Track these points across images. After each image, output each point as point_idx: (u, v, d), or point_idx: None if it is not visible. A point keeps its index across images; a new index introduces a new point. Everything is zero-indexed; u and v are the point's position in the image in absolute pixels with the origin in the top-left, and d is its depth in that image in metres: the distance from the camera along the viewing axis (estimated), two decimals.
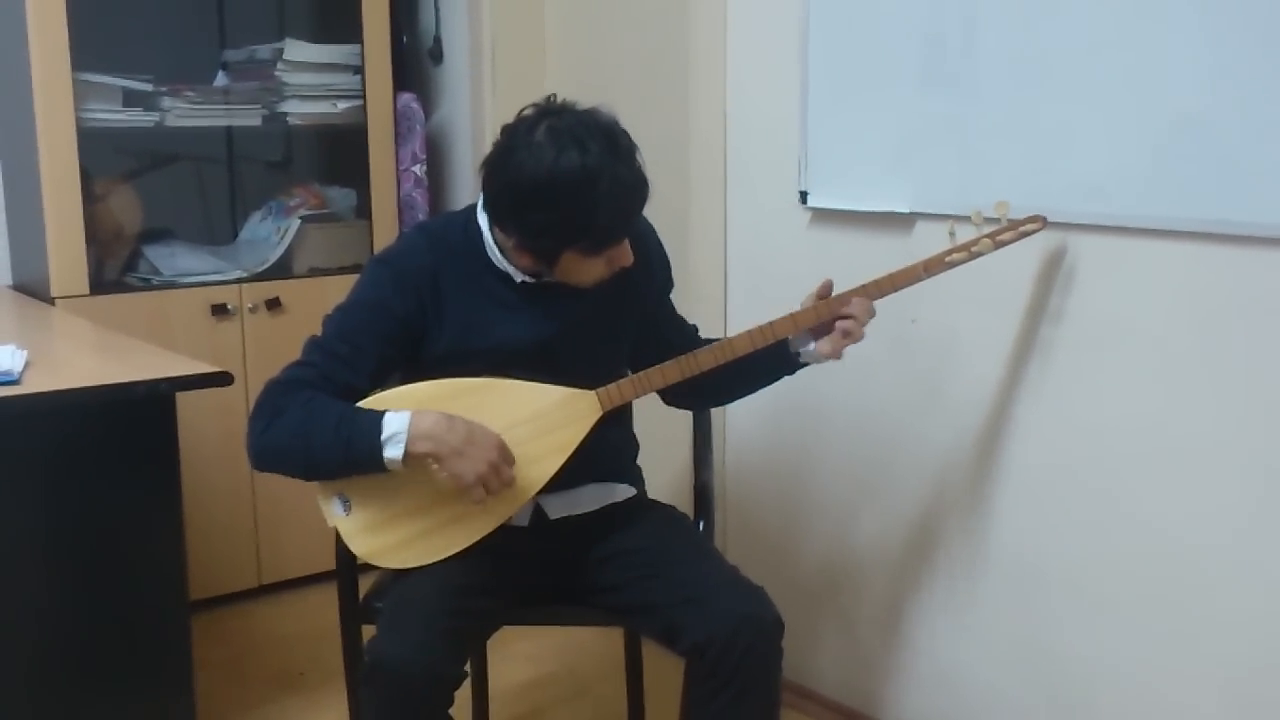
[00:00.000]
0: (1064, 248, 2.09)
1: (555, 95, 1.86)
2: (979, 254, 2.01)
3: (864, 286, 1.98)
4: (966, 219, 2.04)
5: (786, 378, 2.09)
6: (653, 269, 2.07)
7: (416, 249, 1.96)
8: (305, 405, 1.84)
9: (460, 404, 1.88)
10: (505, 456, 1.85)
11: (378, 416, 1.82)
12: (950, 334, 2.29)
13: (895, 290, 2.00)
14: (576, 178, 1.77)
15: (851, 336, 1.97)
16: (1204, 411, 1.94)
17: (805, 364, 2.05)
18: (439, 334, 1.93)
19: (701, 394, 2.09)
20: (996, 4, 2.12)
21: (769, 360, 2.01)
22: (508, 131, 1.84)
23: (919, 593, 2.43)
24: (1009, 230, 2.02)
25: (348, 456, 1.83)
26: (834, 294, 1.99)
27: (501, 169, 1.82)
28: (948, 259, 2.01)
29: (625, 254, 1.90)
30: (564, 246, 1.84)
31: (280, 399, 1.86)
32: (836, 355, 1.99)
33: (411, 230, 2.08)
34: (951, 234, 2.02)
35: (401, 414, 1.82)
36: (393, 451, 1.81)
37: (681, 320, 2.17)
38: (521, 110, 1.85)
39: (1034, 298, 2.14)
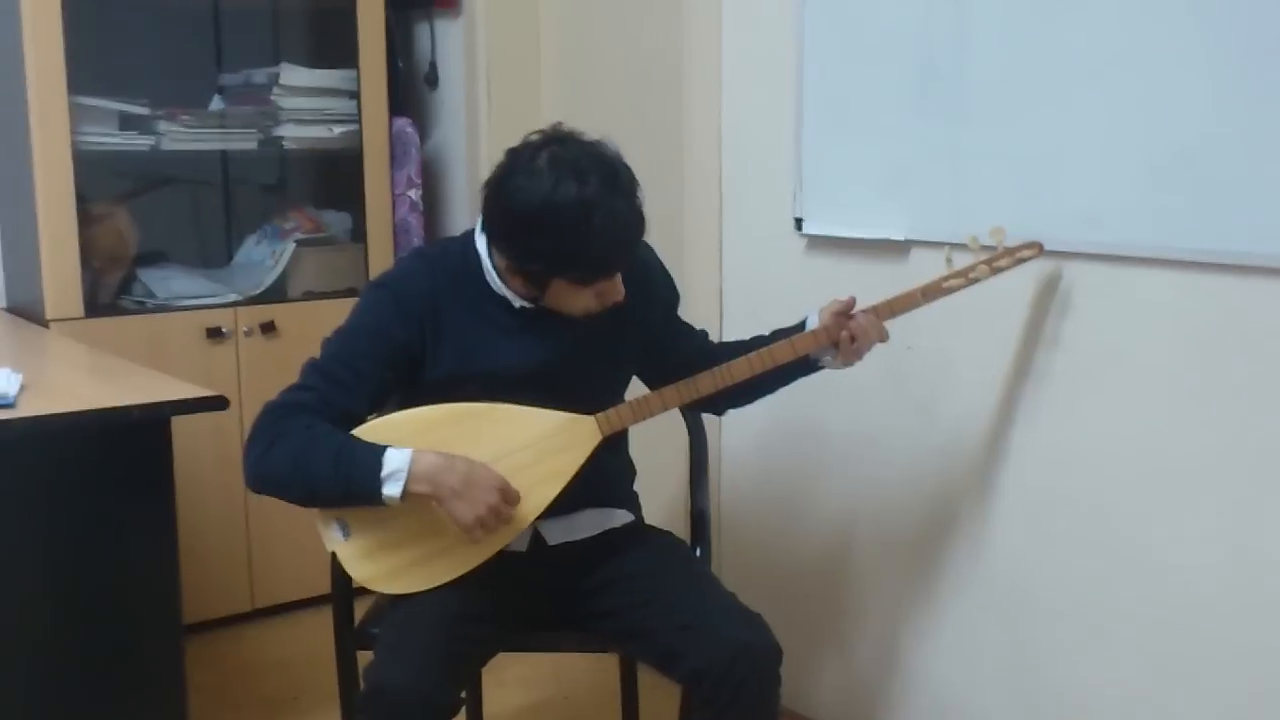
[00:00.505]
0: (1059, 275, 2.10)
1: (561, 124, 1.87)
2: (976, 280, 2.02)
3: (864, 311, 1.99)
4: (963, 245, 2.05)
5: (791, 393, 2.10)
6: (655, 294, 2.07)
7: (416, 273, 1.96)
8: (305, 432, 1.84)
9: (458, 430, 1.88)
10: (507, 497, 1.85)
11: (379, 452, 1.81)
12: (946, 360, 2.30)
13: (893, 316, 2.01)
14: (572, 208, 1.77)
15: (864, 351, 2.01)
16: (1198, 438, 1.94)
17: (823, 367, 2.07)
18: (438, 358, 1.93)
19: (718, 400, 2.07)
20: (991, 32, 2.13)
21: (786, 368, 2.02)
22: (511, 155, 1.85)
23: (916, 618, 2.43)
24: (1005, 256, 2.03)
25: (347, 491, 1.83)
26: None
27: (500, 192, 1.83)
28: (945, 285, 2.02)
29: (616, 289, 1.89)
30: (554, 274, 1.84)
31: (280, 424, 1.86)
32: (853, 362, 2.03)
33: (409, 255, 2.08)
34: (949, 260, 2.03)
35: (403, 452, 1.81)
36: (391, 489, 1.80)
37: (690, 329, 2.17)
38: (528, 135, 1.86)
39: (1029, 324, 2.15)
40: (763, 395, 2.12)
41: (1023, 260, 2.04)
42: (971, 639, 2.33)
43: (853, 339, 1.98)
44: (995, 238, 2.03)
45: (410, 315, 1.91)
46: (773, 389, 2.11)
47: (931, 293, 2.02)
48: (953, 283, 2.02)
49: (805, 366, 2.05)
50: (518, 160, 1.82)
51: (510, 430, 1.91)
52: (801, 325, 2.05)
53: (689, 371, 1.99)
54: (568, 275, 1.84)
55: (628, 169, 1.84)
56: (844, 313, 1.99)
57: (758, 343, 2.05)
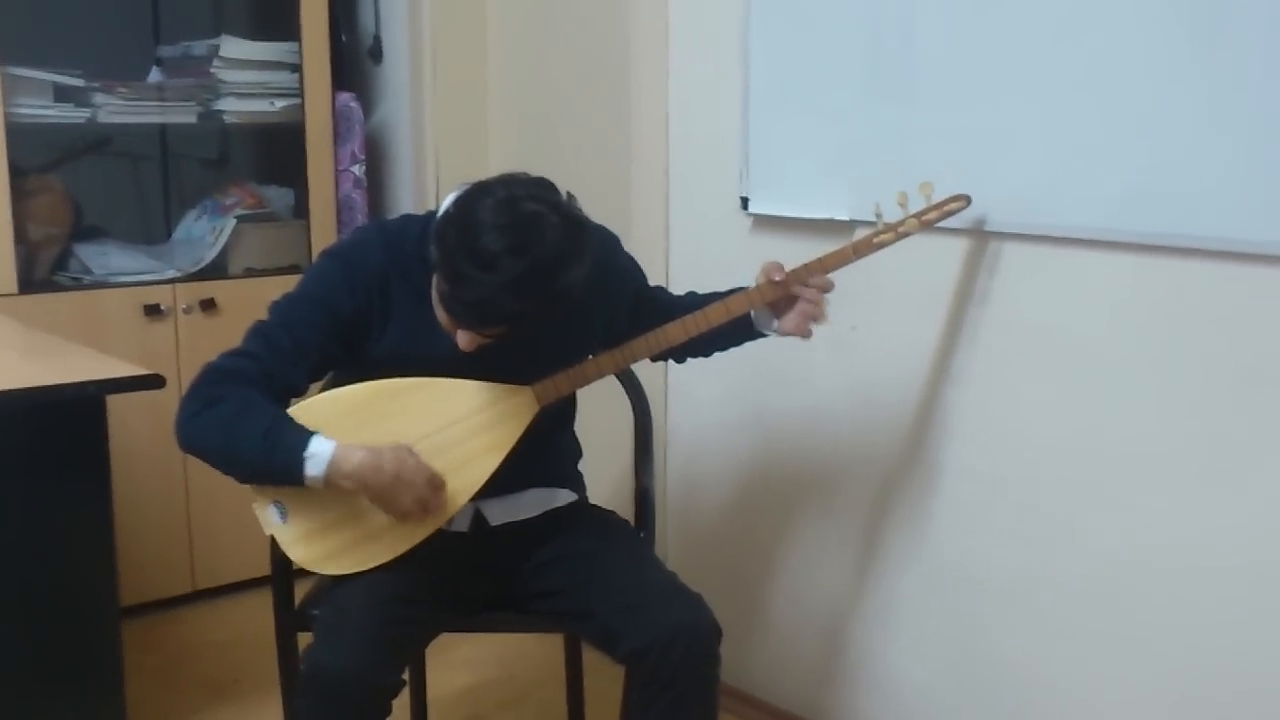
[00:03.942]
0: (1000, 255, 2.11)
1: (570, 194, 1.79)
2: (906, 234, 2.02)
3: (795, 270, 1.99)
4: (894, 204, 2.04)
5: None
6: (622, 290, 2.06)
7: (371, 246, 1.93)
8: (239, 401, 1.82)
9: (390, 405, 1.87)
10: (435, 487, 1.85)
11: (306, 436, 1.80)
12: (889, 341, 2.31)
13: (826, 272, 2.00)
14: (461, 251, 1.71)
15: (814, 314, 1.99)
16: (1139, 420, 1.97)
17: (765, 335, 2.07)
18: (381, 335, 1.91)
19: (674, 352, 2.08)
20: (938, 12, 2.13)
21: (731, 330, 2.02)
22: (501, 179, 1.78)
23: (858, 598, 2.44)
24: (933, 210, 2.03)
25: (269, 466, 1.81)
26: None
27: (456, 201, 1.78)
28: (875, 240, 2.02)
29: (466, 339, 1.81)
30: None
31: (217, 388, 1.83)
32: (804, 333, 2.01)
33: (369, 226, 2.05)
34: (878, 216, 2.03)
35: (327, 442, 1.80)
36: (313, 470, 1.79)
37: (656, 293, 2.15)
38: (530, 175, 1.79)
39: (974, 305, 2.16)
40: (719, 350, 2.13)
41: (950, 212, 2.03)
42: (914, 618, 2.35)
43: (791, 298, 1.97)
44: (923, 192, 2.02)
45: (358, 286, 1.89)
46: (724, 346, 2.12)
47: (862, 249, 2.01)
48: (883, 238, 2.01)
49: (749, 331, 2.05)
50: (491, 185, 1.76)
51: (444, 404, 1.89)
52: (740, 290, 2.05)
53: (663, 323, 1.99)
54: (439, 290, 1.80)
55: (551, 260, 1.71)
56: (773, 274, 1.98)
57: (710, 298, 2.05)
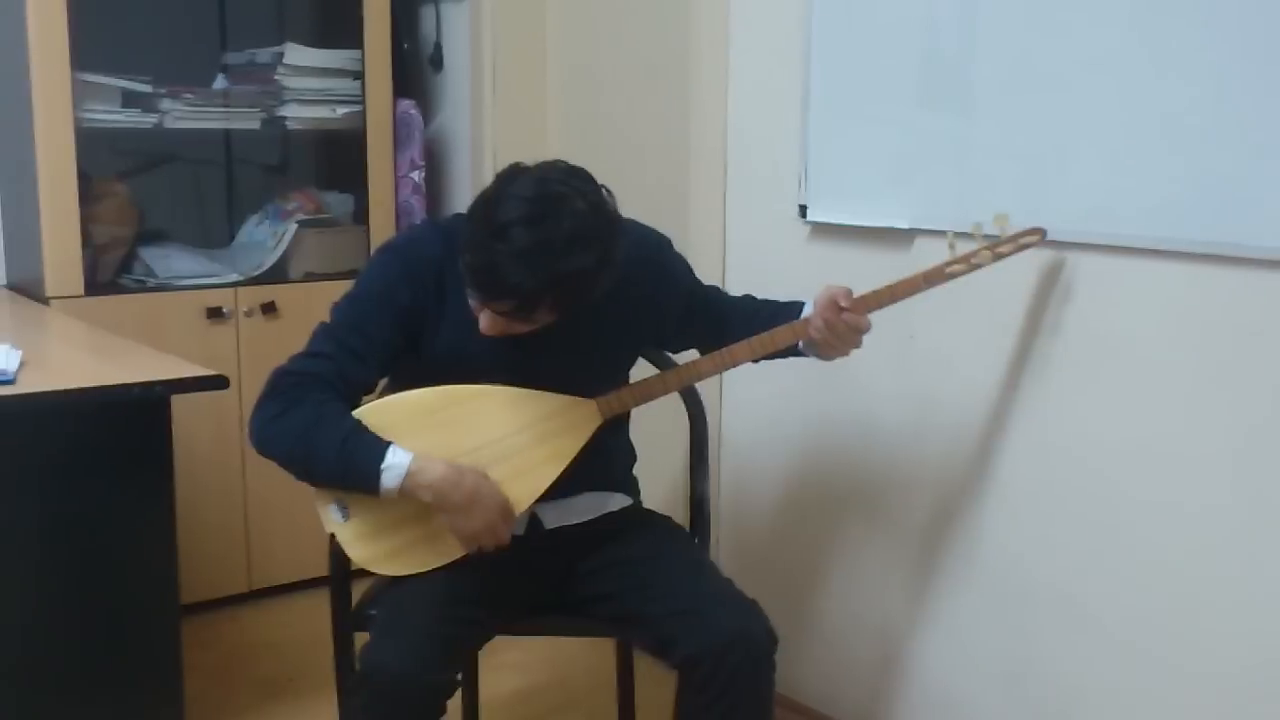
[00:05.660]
0: (1061, 264, 2.09)
1: (608, 190, 1.80)
2: (978, 265, 2.01)
3: (864, 297, 1.99)
4: (967, 234, 2.04)
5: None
6: (674, 289, 2.06)
7: (428, 241, 1.96)
8: (318, 407, 1.84)
9: (458, 411, 1.88)
10: (506, 516, 1.87)
11: (382, 447, 1.82)
12: (947, 349, 2.29)
13: (895, 301, 2.00)
14: (479, 218, 1.75)
15: (853, 346, 2.00)
16: (1199, 430, 1.94)
17: (803, 355, 2.07)
18: (437, 331, 1.92)
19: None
20: (997, 22, 2.12)
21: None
22: (542, 163, 1.81)
23: (911, 608, 2.43)
24: (1008, 243, 2.02)
25: (345, 474, 1.83)
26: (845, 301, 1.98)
27: (494, 177, 1.82)
28: (948, 270, 2.01)
29: (486, 321, 1.83)
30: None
31: (295, 390, 1.86)
32: (828, 358, 2.03)
33: (424, 223, 2.07)
34: (951, 246, 2.02)
35: (405, 453, 1.82)
36: (390, 482, 1.81)
37: (709, 293, 2.14)
38: (569, 164, 1.81)
39: (1031, 314, 2.14)
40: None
41: (1025, 246, 2.03)
42: (967, 629, 2.33)
43: (828, 338, 1.96)
44: (999, 224, 2.02)
45: (417, 279, 1.91)
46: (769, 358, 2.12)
47: (934, 278, 2.01)
48: (955, 268, 2.01)
49: (792, 349, 2.06)
50: (525, 167, 1.80)
51: (508, 412, 1.91)
52: (799, 305, 2.06)
53: (718, 328, 2.03)
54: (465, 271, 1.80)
55: (563, 238, 1.72)
56: (834, 306, 1.97)
57: (766, 306, 2.08)
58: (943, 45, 2.21)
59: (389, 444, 1.82)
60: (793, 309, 2.06)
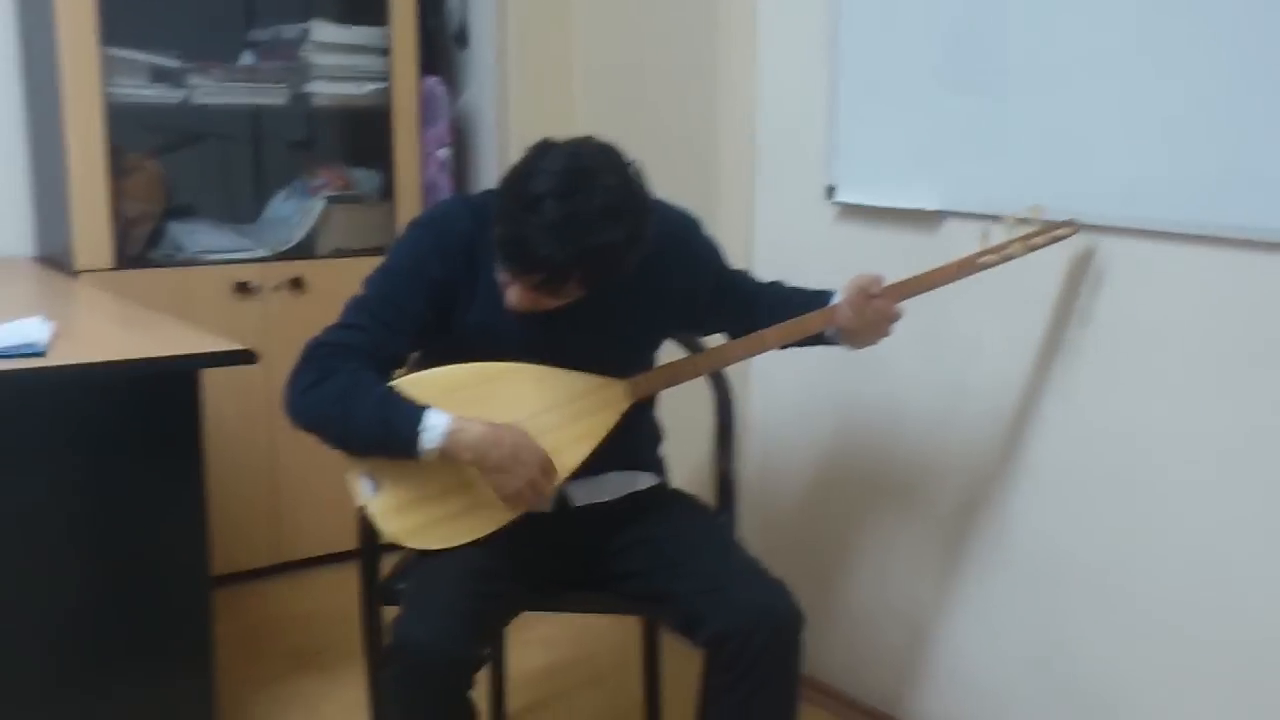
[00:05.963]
0: (1093, 250, 2.08)
1: (634, 163, 1.82)
2: (1011, 257, 2.01)
3: (895, 285, 1.98)
4: (998, 219, 2.04)
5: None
6: (703, 267, 2.06)
7: (458, 215, 1.97)
8: (352, 375, 1.85)
9: (489, 388, 1.89)
10: (547, 472, 1.87)
11: (419, 410, 1.83)
12: (979, 334, 2.29)
13: (928, 289, 2.00)
14: (511, 191, 1.77)
15: (883, 335, 2.00)
16: (1232, 415, 1.93)
17: (831, 344, 2.08)
18: (468, 304, 1.93)
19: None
20: (1027, 5, 2.11)
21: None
22: (574, 138, 1.82)
23: (939, 591, 2.43)
24: (1041, 234, 2.02)
25: (385, 436, 1.84)
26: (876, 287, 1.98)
27: (526, 150, 1.83)
28: (980, 260, 2.01)
29: (514, 294, 1.85)
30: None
31: (329, 360, 1.87)
32: (857, 346, 2.04)
33: (454, 198, 2.08)
34: (984, 236, 2.02)
35: (442, 415, 1.82)
36: (429, 443, 1.81)
37: (737, 276, 2.14)
38: (601, 140, 1.82)
39: (1061, 299, 2.14)
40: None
41: (1058, 239, 2.03)
42: (994, 612, 2.33)
43: (857, 325, 1.97)
44: (1032, 214, 2.01)
45: (448, 253, 1.92)
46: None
47: (966, 268, 2.01)
48: (988, 258, 2.01)
49: (819, 337, 2.06)
50: (562, 141, 1.81)
51: (539, 391, 1.91)
52: (829, 294, 2.05)
53: (747, 312, 2.04)
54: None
55: (593, 213, 1.74)
56: (864, 294, 1.97)
57: (796, 293, 2.09)
58: (974, 27, 2.20)
59: (426, 406, 1.83)
60: (821, 297, 2.06)
